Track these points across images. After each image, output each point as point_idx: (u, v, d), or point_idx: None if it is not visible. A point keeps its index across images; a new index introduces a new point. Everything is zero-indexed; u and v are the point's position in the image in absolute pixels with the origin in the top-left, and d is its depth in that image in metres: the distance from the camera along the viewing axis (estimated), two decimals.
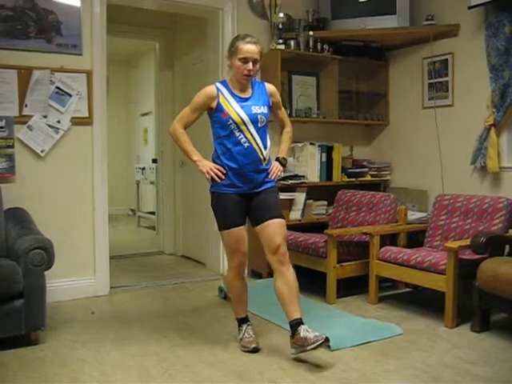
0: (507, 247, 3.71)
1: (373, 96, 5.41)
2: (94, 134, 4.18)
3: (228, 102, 3.02)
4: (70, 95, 4.05)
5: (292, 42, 4.79)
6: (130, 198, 9.38)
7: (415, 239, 4.45)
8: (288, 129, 3.37)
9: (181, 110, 6.00)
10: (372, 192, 4.68)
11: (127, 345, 3.17)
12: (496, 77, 4.16)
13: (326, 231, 4.11)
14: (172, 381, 2.68)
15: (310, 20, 4.99)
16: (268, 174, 3.12)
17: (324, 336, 2.80)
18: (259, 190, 3.09)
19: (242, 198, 3.08)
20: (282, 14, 4.80)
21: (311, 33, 4.83)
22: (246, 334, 3.14)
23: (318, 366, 2.85)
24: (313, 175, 4.92)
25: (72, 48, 4.06)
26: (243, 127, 3.01)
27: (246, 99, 3.06)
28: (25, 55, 3.89)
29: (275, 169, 3.15)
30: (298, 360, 2.93)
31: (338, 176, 5.03)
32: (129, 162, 9.82)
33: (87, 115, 4.13)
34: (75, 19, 4.05)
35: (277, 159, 3.22)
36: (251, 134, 3.03)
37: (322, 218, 4.91)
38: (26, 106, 3.91)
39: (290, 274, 3.02)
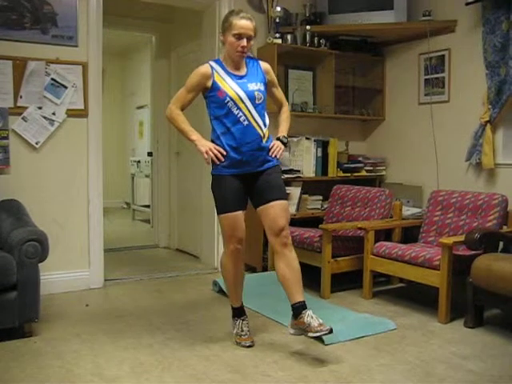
0: (501, 243, 3.72)
1: (369, 91, 5.40)
2: (89, 126, 4.17)
3: (224, 79, 2.95)
4: (66, 87, 4.03)
5: (289, 37, 4.78)
6: (125, 191, 9.37)
7: (410, 235, 4.46)
8: (285, 108, 3.26)
9: None
10: (367, 187, 4.69)
11: (121, 337, 3.17)
12: (492, 73, 4.17)
13: (320, 226, 4.12)
14: (166, 374, 2.68)
15: (307, 14, 4.97)
16: (269, 151, 3.03)
17: (328, 328, 2.78)
18: (261, 168, 3.01)
19: (244, 180, 2.99)
20: (279, 8, 4.78)
21: (308, 27, 4.82)
22: (240, 330, 3.11)
23: (311, 360, 2.86)
24: (308, 170, 4.92)
25: (68, 39, 4.04)
26: (241, 104, 2.93)
27: (242, 77, 2.98)
28: (20, 46, 3.87)
29: (276, 147, 3.04)
30: (292, 354, 2.94)
31: (333, 171, 5.03)
32: (124, 154, 9.80)
33: (82, 107, 4.12)
34: (71, 11, 4.03)
35: (277, 138, 3.12)
36: (249, 112, 2.95)
37: (317, 213, 4.92)
38: (20, 97, 3.89)
39: (293, 256, 2.98)
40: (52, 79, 3.98)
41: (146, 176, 7.81)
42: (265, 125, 3.03)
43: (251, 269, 4.79)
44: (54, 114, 4.01)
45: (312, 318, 2.84)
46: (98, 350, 2.98)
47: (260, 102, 3.00)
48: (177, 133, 5.82)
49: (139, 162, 8.27)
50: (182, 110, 3.09)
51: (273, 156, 3.04)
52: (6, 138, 3.85)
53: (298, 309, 2.89)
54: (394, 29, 4.81)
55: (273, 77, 3.17)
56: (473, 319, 3.39)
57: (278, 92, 3.25)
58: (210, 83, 2.96)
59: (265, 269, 4.62)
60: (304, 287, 4.14)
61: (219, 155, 2.94)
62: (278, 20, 4.76)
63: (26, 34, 3.89)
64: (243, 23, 2.89)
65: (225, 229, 3.05)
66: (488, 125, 4.22)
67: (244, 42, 2.89)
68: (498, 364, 2.84)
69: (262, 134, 2.99)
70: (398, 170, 5.22)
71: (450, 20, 4.59)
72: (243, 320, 3.15)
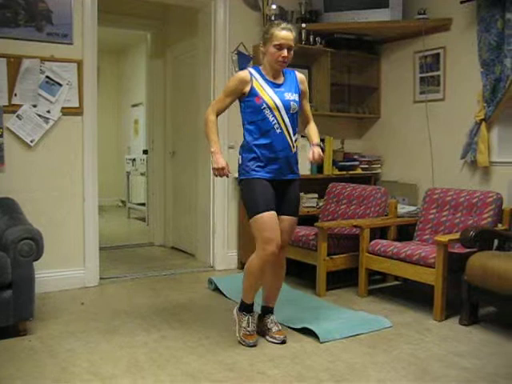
0: (496, 241, 3.73)
1: (364, 89, 5.41)
2: (84, 124, 4.15)
3: (262, 86, 3.01)
4: (61, 85, 4.02)
5: None
6: (121, 189, 9.35)
7: (405, 233, 4.47)
8: (312, 124, 3.34)
9: (172, 100, 6.03)
10: (362, 185, 4.69)
11: (116, 336, 3.17)
12: (487, 72, 4.17)
13: (316, 224, 4.12)
14: (161, 372, 2.68)
15: (303, 12, 4.97)
16: (296, 161, 3.15)
17: (281, 339, 3.05)
18: (286, 178, 3.10)
19: (271, 184, 3.04)
20: (274, 6, 4.77)
21: (304, 25, 4.82)
22: (247, 325, 3.08)
23: (306, 358, 2.86)
24: (304, 168, 4.90)
25: (63, 37, 4.02)
26: (276, 112, 3.00)
27: (279, 85, 3.06)
28: (14, 43, 3.85)
29: (317, 151, 3.09)
30: (287, 352, 2.94)
31: (328, 169, 5.04)
32: (119, 152, 9.78)
33: (77, 105, 4.10)
34: (66, 8, 4.01)
35: (316, 145, 3.18)
36: (283, 120, 3.03)
37: (312, 211, 4.92)
38: (15, 95, 3.87)
39: (284, 268, 3.18)
40: (47, 77, 3.96)
41: (142, 174, 7.80)
42: (294, 134, 3.11)
43: None
44: (48, 111, 3.99)
45: (274, 323, 3.13)
46: (94, 349, 2.97)
47: (294, 111, 3.09)
48: (172, 132, 5.86)
49: (134, 160, 8.25)
50: (218, 114, 3.12)
51: (313, 160, 3.11)
52: (1, 136, 3.83)
53: (266, 312, 3.19)
54: (389, 27, 4.82)
55: (306, 88, 3.24)
56: (468, 317, 3.40)
57: (307, 105, 3.31)
58: (248, 89, 3.02)
59: None
60: (299, 285, 4.17)
61: (224, 176, 3.08)
62: (273, 18, 4.74)
63: (20, 32, 3.87)
64: (284, 34, 2.96)
65: (260, 231, 2.95)
66: (483, 123, 4.23)
67: (285, 52, 2.97)
68: (493, 361, 2.85)
69: (291, 144, 3.08)
70: (393, 168, 5.23)
71: (446, 18, 4.59)
72: (251, 316, 3.13)
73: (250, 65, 4.82)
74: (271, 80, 3.06)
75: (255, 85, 3.01)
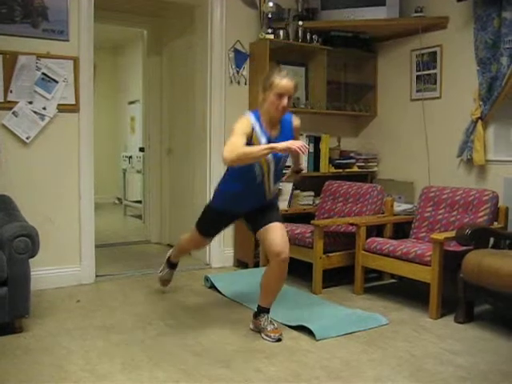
0: (492, 239, 3.74)
1: (361, 87, 5.41)
2: (80, 121, 4.14)
3: (259, 140, 3.00)
4: (57, 82, 4.00)
5: (281, 32, 4.76)
6: (117, 187, 9.33)
7: (401, 230, 4.48)
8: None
9: (168, 98, 5.99)
10: (359, 183, 4.70)
11: (112, 333, 3.17)
12: (484, 70, 4.18)
13: (312, 222, 4.13)
14: (157, 369, 2.68)
15: (300, 10, 4.97)
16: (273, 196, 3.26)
17: (276, 337, 3.05)
18: (258, 205, 3.21)
19: (238, 215, 3.29)
20: (271, 3, 4.76)
21: (300, 23, 4.81)
22: (269, 323, 3.14)
23: (302, 356, 2.87)
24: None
25: (59, 34, 4.01)
26: (265, 167, 3.06)
27: (275, 139, 3.01)
28: (10, 40, 3.82)
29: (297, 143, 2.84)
30: (283, 349, 2.95)
31: (325, 167, 5.04)
32: (115, 150, 9.75)
33: (74, 102, 4.09)
34: (62, 4, 3.99)
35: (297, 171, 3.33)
36: (268, 173, 3.10)
37: (308, 209, 4.92)
38: (11, 91, 3.85)
39: (284, 271, 3.11)
40: (43, 74, 3.95)
41: (138, 171, 7.78)
42: (275, 183, 3.19)
43: (243, 264, 4.80)
44: (44, 108, 3.98)
45: (269, 322, 3.13)
46: (90, 346, 2.97)
47: (283, 165, 3.17)
48: (168, 129, 5.85)
49: (131, 157, 8.23)
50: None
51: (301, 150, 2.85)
52: None
53: (261, 311, 3.18)
54: (386, 25, 4.82)
55: (299, 133, 3.30)
56: (463, 314, 3.41)
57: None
58: (248, 138, 2.97)
59: (256, 265, 4.62)
60: (295, 283, 4.17)
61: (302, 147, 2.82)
62: (270, 15, 4.75)
63: (16, 28, 3.85)
64: (285, 83, 2.97)
65: (193, 241, 3.61)
66: (479, 121, 4.23)
67: (285, 102, 2.97)
68: (488, 359, 2.86)
69: (267, 194, 3.18)
70: (389, 165, 5.24)
71: (442, 16, 4.60)
72: (269, 316, 3.20)
73: (247, 62, 4.82)
74: (268, 131, 3.04)
75: (254, 137, 2.99)
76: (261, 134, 3.01)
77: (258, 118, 3.05)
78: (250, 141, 2.96)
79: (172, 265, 3.92)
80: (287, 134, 3.11)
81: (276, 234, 3.06)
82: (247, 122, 3.00)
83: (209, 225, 3.43)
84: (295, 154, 3.23)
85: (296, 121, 3.23)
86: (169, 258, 3.91)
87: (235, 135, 2.91)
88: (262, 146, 2.89)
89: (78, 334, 3.15)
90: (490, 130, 4.30)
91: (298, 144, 2.79)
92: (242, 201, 3.17)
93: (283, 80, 2.97)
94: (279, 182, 3.25)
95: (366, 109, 5.38)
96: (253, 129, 2.99)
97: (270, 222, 3.11)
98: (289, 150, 2.85)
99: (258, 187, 3.12)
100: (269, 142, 2.98)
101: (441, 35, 4.64)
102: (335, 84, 5.25)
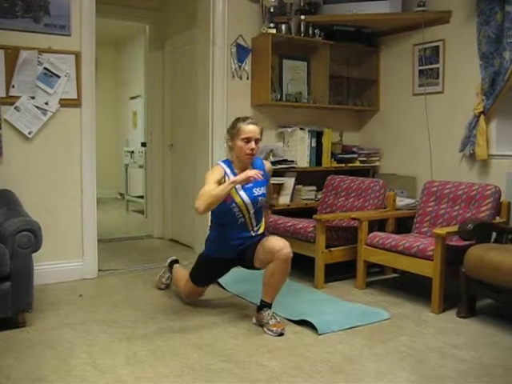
0: (494, 234, 3.74)
1: (363, 82, 5.40)
2: (82, 116, 4.14)
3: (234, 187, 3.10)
4: (59, 76, 4.00)
5: (283, 26, 4.75)
6: (119, 182, 9.33)
7: (403, 225, 4.48)
8: (269, 214, 3.70)
9: (170, 93, 5.98)
10: (361, 178, 4.69)
11: (115, 327, 3.18)
12: (486, 64, 4.16)
13: (314, 216, 4.12)
14: (159, 363, 2.69)
15: (302, 4, 4.95)
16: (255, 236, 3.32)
17: (279, 332, 3.06)
18: (243, 247, 3.30)
19: (229, 261, 3.38)
20: None
21: (303, 17, 4.79)
22: (273, 318, 3.15)
23: (304, 350, 2.87)
24: (302, 160, 4.92)
25: (60, 28, 4.00)
26: (243, 209, 3.21)
27: (249, 184, 3.15)
28: (12, 35, 3.82)
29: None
30: (285, 343, 2.96)
31: (327, 161, 5.04)
32: (117, 145, 9.75)
33: (76, 97, 4.09)
34: None
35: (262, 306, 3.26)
36: (249, 215, 3.24)
37: (310, 203, 4.92)
38: (13, 86, 3.85)
39: (287, 267, 3.13)
40: (45, 68, 3.95)
41: (140, 166, 7.78)
42: (258, 223, 3.32)
43: None
44: (46, 103, 3.98)
45: (271, 317, 3.14)
46: (92, 340, 2.98)
47: (261, 205, 3.27)
48: (170, 124, 5.85)
49: (133, 152, 8.23)
50: None
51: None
52: None
53: (264, 306, 3.20)
54: (388, 19, 4.80)
55: (271, 177, 3.48)
56: (465, 309, 3.41)
57: (270, 189, 3.57)
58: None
59: None
60: (298, 278, 4.17)
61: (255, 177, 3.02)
62: (272, 9, 4.73)
63: (17, 23, 3.84)
64: (251, 128, 3.17)
65: (187, 290, 3.61)
66: (482, 116, 4.22)
67: (253, 145, 3.16)
68: (490, 353, 2.86)
69: (252, 234, 3.29)
70: (391, 160, 5.23)
71: (445, 11, 4.58)
72: (271, 310, 3.22)
73: (249, 57, 4.81)
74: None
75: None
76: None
77: (229, 166, 3.23)
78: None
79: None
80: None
81: (273, 239, 3.16)
82: (218, 169, 3.21)
83: (203, 274, 3.50)
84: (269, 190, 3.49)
85: (268, 164, 3.44)
86: (171, 263, 4.00)
87: (206, 184, 3.08)
88: (226, 184, 3.05)
89: (80, 328, 3.16)
90: (493, 124, 4.29)
91: (252, 173, 2.99)
92: (230, 243, 3.28)
93: (249, 125, 3.17)
94: (261, 221, 3.36)
95: (368, 103, 5.37)
96: (225, 174, 3.15)
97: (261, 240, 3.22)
98: (247, 180, 3.02)
99: (242, 226, 3.25)
100: (244, 186, 3.16)
101: (443, 29, 4.63)
102: (337, 78, 5.24)
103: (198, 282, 3.50)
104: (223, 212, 3.20)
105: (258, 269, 3.32)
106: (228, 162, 3.28)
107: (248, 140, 3.14)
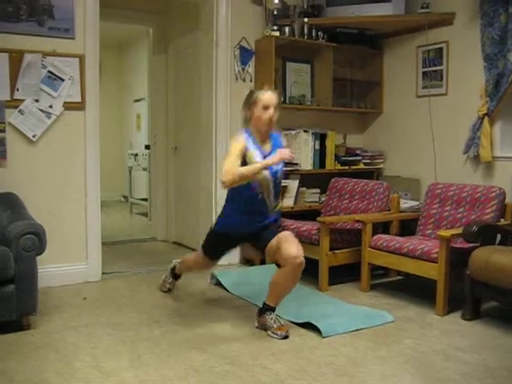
0: (499, 236, 3.72)
1: (367, 84, 5.40)
2: (86, 119, 4.15)
3: (253, 156, 3.08)
4: (63, 80, 4.01)
5: (287, 29, 4.76)
6: (123, 185, 9.34)
7: (407, 227, 4.47)
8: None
9: (174, 95, 5.99)
10: (365, 180, 4.69)
11: (119, 330, 3.18)
12: (490, 66, 4.16)
13: (318, 219, 4.12)
14: (164, 366, 2.68)
15: (305, 7, 4.95)
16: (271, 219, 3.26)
17: (283, 335, 3.05)
18: (262, 224, 3.23)
19: (242, 236, 3.29)
20: (276, 0, 4.76)
21: (306, 20, 4.80)
22: (276, 321, 3.14)
23: (308, 353, 2.87)
24: (306, 163, 4.92)
25: (64, 32, 4.02)
26: (263, 182, 3.12)
27: (268, 154, 3.13)
28: (16, 38, 3.84)
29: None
30: (289, 346, 2.95)
31: (331, 164, 5.03)
32: (121, 147, 9.77)
33: (80, 100, 4.10)
34: (67, 2, 3.99)
35: None
36: (268, 189, 3.16)
37: (314, 206, 4.92)
38: (17, 89, 3.86)
39: (298, 275, 3.10)
40: (49, 72, 3.96)
41: (144, 169, 7.80)
42: (276, 199, 3.26)
43: (249, 262, 4.80)
44: (50, 106, 3.99)
45: (275, 321, 3.12)
46: (96, 343, 2.98)
47: (280, 180, 3.24)
48: (174, 126, 5.86)
49: (137, 155, 8.25)
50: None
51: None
52: (3, 131, 3.83)
53: (267, 309, 3.17)
54: (391, 21, 4.80)
55: None
56: (470, 311, 3.40)
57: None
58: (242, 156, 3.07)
59: (262, 262, 4.61)
60: (302, 280, 4.15)
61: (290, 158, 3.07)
62: (275, 12, 4.74)
63: (22, 27, 3.86)
64: (269, 95, 3.11)
65: (196, 262, 3.70)
66: (486, 118, 4.22)
67: (271, 112, 3.08)
68: (495, 356, 2.85)
69: (270, 210, 3.23)
70: (395, 162, 5.22)
71: (448, 12, 4.57)
72: (275, 313, 3.21)
73: (252, 60, 4.81)
74: (261, 146, 3.15)
75: (248, 154, 3.07)
76: (254, 149, 3.12)
77: (250, 135, 3.16)
78: (244, 158, 3.06)
79: (176, 276, 3.93)
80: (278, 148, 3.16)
81: (290, 242, 3.07)
82: (241, 139, 3.12)
83: (213, 247, 3.46)
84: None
85: (284, 140, 3.39)
86: (173, 268, 3.93)
87: (230, 156, 3.03)
88: (257, 165, 3.02)
89: (84, 331, 3.17)
90: (497, 126, 4.28)
91: (288, 152, 3.01)
92: (246, 220, 3.21)
93: (267, 92, 3.12)
94: (279, 198, 3.33)
95: (371, 106, 5.37)
96: (246, 146, 3.09)
97: (279, 233, 3.15)
98: (281, 161, 3.02)
99: (260, 204, 3.19)
100: (264, 157, 3.11)
101: (447, 31, 4.62)
102: (341, 81, 5.24)
103: (211, 255, 3.48)
104: (242, 187, 3.09)
105: (263, 255, 3.30)
106: (249, 132, 3.17)
107: (266, 108, 3.07)
